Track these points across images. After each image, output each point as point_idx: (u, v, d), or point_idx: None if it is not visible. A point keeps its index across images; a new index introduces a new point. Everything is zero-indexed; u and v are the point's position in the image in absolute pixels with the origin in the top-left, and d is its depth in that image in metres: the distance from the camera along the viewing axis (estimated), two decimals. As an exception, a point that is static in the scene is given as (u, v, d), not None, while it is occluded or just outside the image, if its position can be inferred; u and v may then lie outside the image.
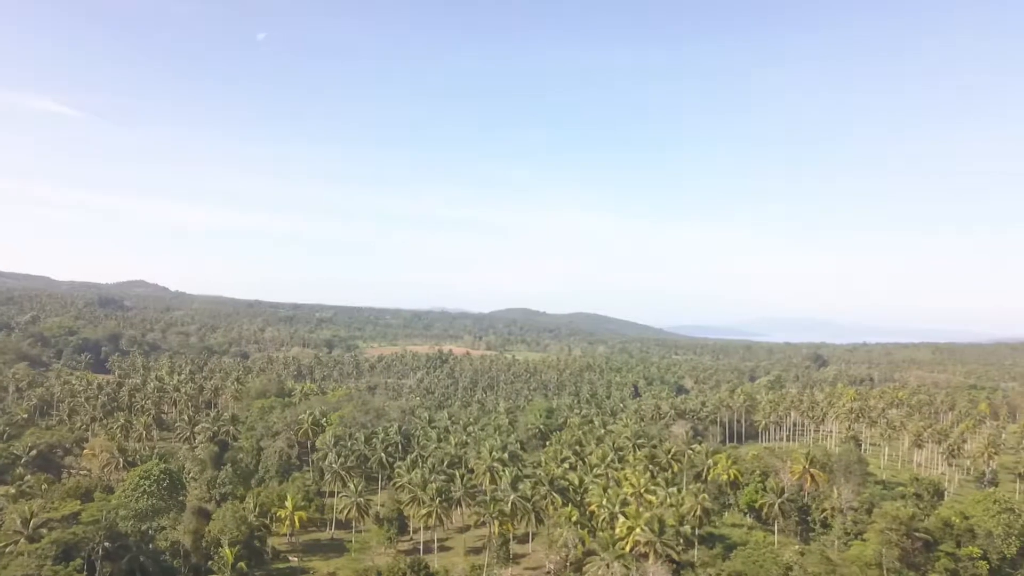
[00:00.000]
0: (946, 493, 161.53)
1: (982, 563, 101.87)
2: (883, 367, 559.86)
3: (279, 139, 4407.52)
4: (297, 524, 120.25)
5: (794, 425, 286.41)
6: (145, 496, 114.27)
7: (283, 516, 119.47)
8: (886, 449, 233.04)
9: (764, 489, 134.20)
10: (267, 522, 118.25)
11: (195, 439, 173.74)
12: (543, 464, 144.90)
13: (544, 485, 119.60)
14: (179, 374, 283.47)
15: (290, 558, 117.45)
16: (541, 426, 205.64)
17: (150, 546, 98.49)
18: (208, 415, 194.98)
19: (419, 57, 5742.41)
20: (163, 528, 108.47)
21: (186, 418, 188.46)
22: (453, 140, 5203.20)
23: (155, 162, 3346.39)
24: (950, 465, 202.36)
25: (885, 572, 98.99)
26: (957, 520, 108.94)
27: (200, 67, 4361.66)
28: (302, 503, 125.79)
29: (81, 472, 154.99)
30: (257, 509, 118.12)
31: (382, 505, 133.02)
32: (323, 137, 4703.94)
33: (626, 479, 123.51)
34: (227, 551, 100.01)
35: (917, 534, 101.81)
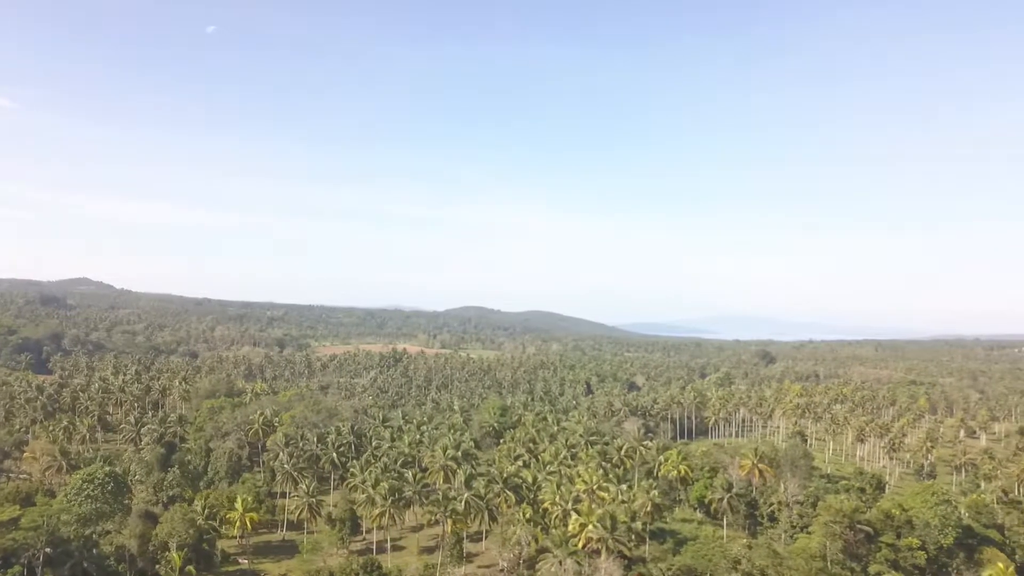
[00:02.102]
0: (887, 486, 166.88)
1: (920, 553, 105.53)
2: (828, 364, 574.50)
3: (226, 135, 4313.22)
4: (248, 526, 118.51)
5: (743, 421, 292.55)
6: (89, 500, 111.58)
7: (233, 518, 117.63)
8: (831, 443, 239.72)
9: (713, 485, 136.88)
10: (216, 524, 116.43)
11: (141, 441, 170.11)
12: (497, 462, 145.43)
13: (498, 483, 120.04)
14: (125, 374, 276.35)
15: (240, 560, 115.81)
16: (495, 424, 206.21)
17: (94, 551, 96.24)
18: (155, 416, 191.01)
19: (374, 54, 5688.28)
20: (108, 532, 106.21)
21: (132, 419, 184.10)
22: (406, 138, 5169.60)
23: (96, 157, 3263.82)
24: (891, 458, 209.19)
25: (829, 564, 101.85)
26: (897, 512, 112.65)
27: (147, 60, 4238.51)
28: (253, 504, 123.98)
29: (21, 476, 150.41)
30: (206, 511, 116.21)
31: (334, 505, 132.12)
32: (272, 133, 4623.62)
33: (579, 476, 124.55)
34: (175, 555, 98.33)
35: (859, 526, 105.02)
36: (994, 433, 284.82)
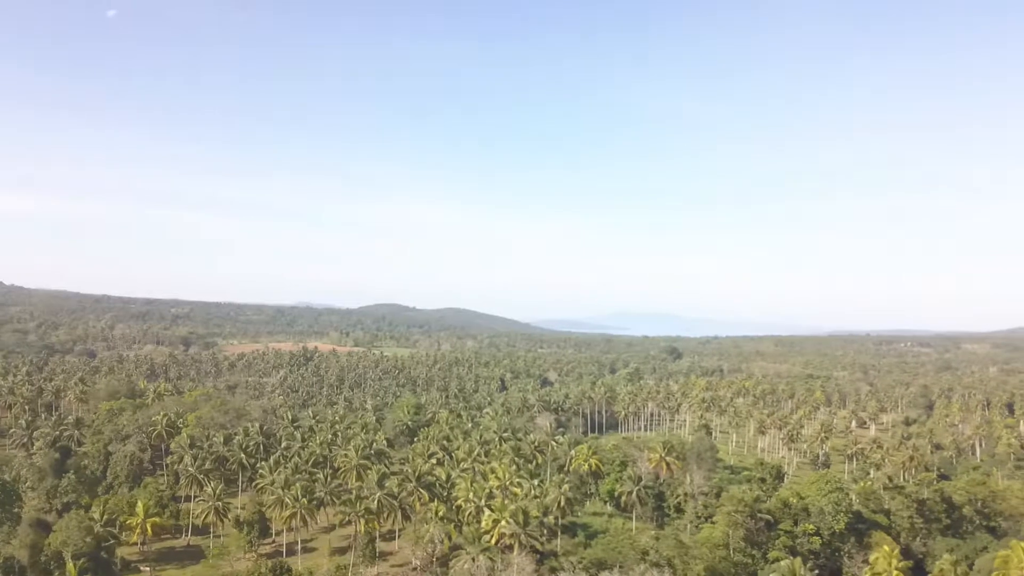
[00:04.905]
0: (786, 475, 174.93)
1: (815, 539, 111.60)
2: (732, 359, 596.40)
3: (123, 125, 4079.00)
4: (150, 532, 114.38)
5: (651, 415, 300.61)
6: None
7: (134, 524, 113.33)
8: (734, 436, 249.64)
9: (623, 478, 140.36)
10: (116, 531, 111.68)
11: (33, 445, 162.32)
12: (411, 461, 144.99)
13: (411, 482, 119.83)
14: (15, 375, 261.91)
15: (142, 568, 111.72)
16: (409, 422, 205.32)
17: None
18: (49, 419, 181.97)
19: (277, 44, 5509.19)
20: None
21: (23, 423, 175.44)
22: (315, 132, 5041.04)
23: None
24: (790, 449, 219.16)
25: (732, 552, 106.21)
26: (794, 500, 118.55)
27: (38, 45, 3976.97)
28: (155, 509, 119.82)
29: None
30: (104, 518, 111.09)
31: (243, 508, 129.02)
32: (171, 123, 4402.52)
33: (492, 472, 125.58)
34: (70, 565, 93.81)
35: (760, 515, 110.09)
36: (882, 423, 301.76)
